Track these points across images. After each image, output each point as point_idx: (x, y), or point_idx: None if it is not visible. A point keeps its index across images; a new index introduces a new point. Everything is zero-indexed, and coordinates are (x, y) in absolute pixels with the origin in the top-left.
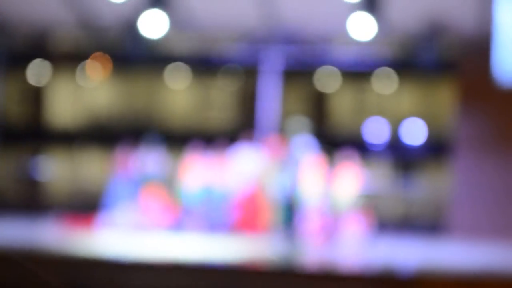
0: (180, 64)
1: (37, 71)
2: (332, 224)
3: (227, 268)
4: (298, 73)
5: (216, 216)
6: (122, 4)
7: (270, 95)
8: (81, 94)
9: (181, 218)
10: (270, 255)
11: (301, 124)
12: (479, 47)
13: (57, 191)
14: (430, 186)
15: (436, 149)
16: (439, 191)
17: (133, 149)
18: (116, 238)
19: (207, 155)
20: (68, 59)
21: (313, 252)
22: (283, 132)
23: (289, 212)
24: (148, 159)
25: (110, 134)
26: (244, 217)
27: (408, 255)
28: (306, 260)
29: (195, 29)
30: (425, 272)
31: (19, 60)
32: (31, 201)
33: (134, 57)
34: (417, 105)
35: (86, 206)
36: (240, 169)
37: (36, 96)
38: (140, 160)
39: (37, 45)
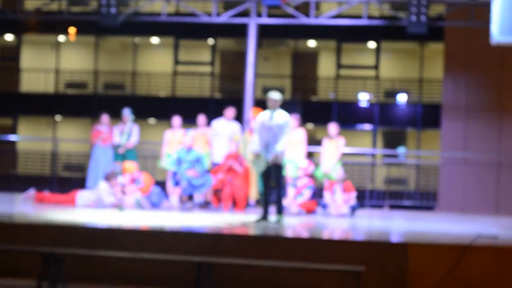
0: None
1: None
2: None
3: (207, 233)
4: (279, 37)
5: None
6: None
7: (252, 60)
8: (54, 59)
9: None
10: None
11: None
12: (465, 12)
13: (31, 160)
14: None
15: (426, 117)
16: (429, 159)
17: (110, 118)
18: (94, 211)
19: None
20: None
21: (302, 219)
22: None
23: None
24: (128, 130)
25: (87, 102)
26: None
27: (398, 222)
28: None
29: None
30: (413, 238)
31: None
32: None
33: (110, 22)
34: (407, 71)
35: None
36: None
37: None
38: (119, 131)
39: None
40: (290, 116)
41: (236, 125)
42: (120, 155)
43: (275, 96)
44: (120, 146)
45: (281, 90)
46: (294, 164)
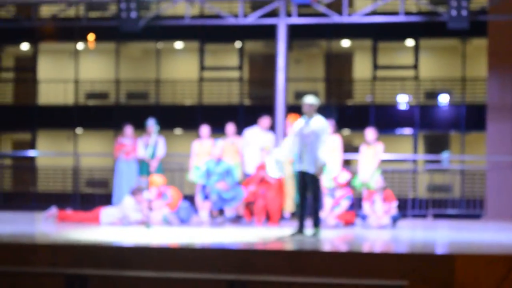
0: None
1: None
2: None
3: (241, 249)
4: (311, 38)
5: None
6: None
7: (283, 63)
8: (73, 68)
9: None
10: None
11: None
12: (509, 5)
13: (52, 176)
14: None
15: (470, 118)
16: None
17: (133, 130)
18: (119, 229)
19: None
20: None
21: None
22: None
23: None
24: (153, 142)
25: (109, 113)
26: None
27: (443, 232)
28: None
29: None
30: (460, 248)
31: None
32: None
33: (130, 27)
34: (448, 70)
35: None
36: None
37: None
38: (144, 143)
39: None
40: (327, 122)
41: (270, 135)
42: (146, 169)
43: (310, 100)
44: (144, 160)
45: (314, 94)
46: (330, 174)
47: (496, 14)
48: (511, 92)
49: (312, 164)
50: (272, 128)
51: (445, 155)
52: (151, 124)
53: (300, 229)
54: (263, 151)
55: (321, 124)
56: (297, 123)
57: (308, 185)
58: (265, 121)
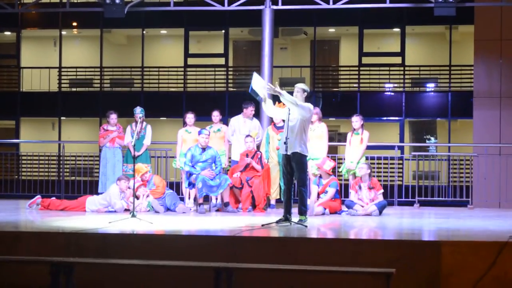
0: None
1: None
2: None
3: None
4: (297, 24)
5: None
6: None
7: (268, 50)
8: (56, 55)
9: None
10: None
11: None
12: None
13: (35, 164)
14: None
15: (457, 105)
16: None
17: (118, 118)
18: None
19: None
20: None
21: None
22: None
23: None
24: (139, 129)
25: (93, 101)
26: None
27: (430, 220)
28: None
29: None
30: (447, 235)
31: None
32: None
33: (115, 13)
34: (435, 57)
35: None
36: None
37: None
38: (130, 131)
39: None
40: (311, 109)
41: (256, 122)
42: (131, 157)
43: (300, 86)
44: (130, 147)
45: (300, 81)
46: (317, 161)
47: (483, 1)
48: (497, 79)
49: (299, 145)
50: (257, 114)
51: (431, 141)
52: (138, 111)
53: (286, 216)
54: (249, 139)
55: (307, 109)
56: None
57: (295, 170)
58: (249, 110)
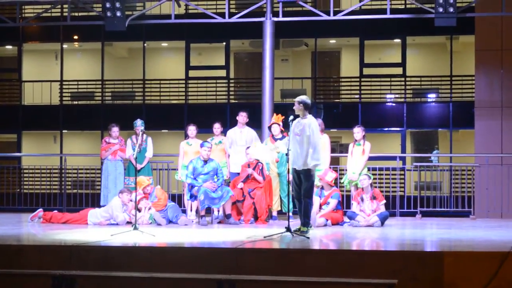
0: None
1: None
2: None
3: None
4: (298, 36)
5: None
6: None
7: (269, 62)
8: (58, 69)
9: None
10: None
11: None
12: (496, 1)
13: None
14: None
15: (458, 116)
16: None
17: (120, 131)
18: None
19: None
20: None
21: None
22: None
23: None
24: (140, 142)
25: (95, 114)
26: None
27: (432, 230)
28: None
29: None
30: (449, 246)
31: None
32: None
33: (116, 27)
34: (436, 68)
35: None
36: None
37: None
38: (131, 144)
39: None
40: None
41: (251, 132)
42: (133, 169)
43: (298, 98)
44: (131, 161)
45: (301, 92)
46: (319, 172)
47: (483, 12)
48: (498, 89)
49: (306, 161)
50: (259, 126)
51: (434, 152)
52: (139, 124)
53: (289, 228)
54: (250, 150)
55: (311, 123)
56: (292, 123)
57: (302, 184)
58: (241, 118)
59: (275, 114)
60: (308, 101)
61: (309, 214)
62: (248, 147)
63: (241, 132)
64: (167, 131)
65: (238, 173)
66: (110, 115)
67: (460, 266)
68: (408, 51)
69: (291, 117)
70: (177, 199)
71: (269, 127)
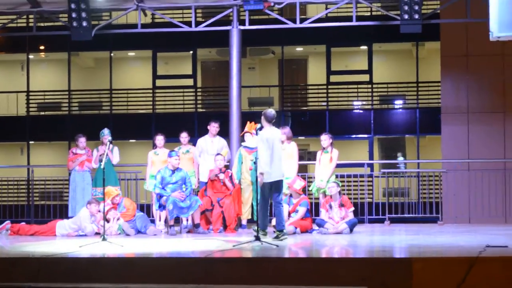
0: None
1: None
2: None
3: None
4: (264, 44)
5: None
6: None
7: (236, 70)
8: (24, 79)
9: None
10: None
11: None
12: (461, 8)
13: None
14: (421, 162)
15: (425, 122)
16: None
17: (87, 141)
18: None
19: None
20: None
21: (302, 238)
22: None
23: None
24: (106, 152)
25: (62, 124)
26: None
27: (400, 237)
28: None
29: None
30: (418, 252)
31: None
32: None
33: (82, 36)
34: (402, 74)
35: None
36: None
37: None
38: (98, 154)
39: None
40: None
41: (222, 140)
42: (100, 180)
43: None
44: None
45: (269, 101)
46: (287, 180)
47: (448, 18)
48: (464, 95)
49: (279, 171)
50: (227, 134)
51: (400, 159)
52: (106, 133)
53: (258, 236)
54: (219, 157)
55: (277, 133)
56: (262, 132)
57: (274, 193)
58: (213, 128)
59: (248, 123)
60: (269, 113)
61: (281, 218)
62: (218, 154)
63: (212, 142)
64: (134, 141)
65: (207, 182)
66: (77, 125)
67: (429, 271)
68: (374, 58)
69: (259, 126)
70: (145, 209)
71: (242, 136)
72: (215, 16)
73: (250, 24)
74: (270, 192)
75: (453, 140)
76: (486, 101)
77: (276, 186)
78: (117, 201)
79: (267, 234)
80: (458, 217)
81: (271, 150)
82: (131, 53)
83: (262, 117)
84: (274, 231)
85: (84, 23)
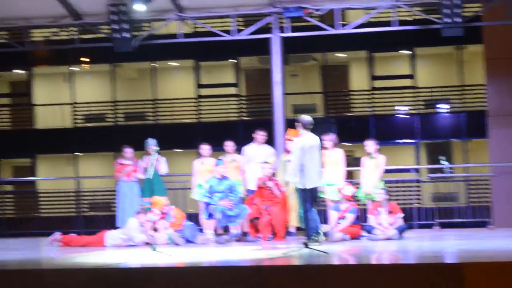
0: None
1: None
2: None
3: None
4: (306, 51)
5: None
6: None
7: (279, 78)
8: (68, 92)
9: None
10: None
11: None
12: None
13: (54, 201)
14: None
15: (471, 125)
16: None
17: (133, 151)
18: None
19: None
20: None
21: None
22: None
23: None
24: (153, 162)
25: (108, 135)
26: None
27: (450, 242)
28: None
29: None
30: (469, 257)
31: None
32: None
33: (124, 48)
34: (446, 78)
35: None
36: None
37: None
38: (145, 165)
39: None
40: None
41: (269, 149)
42: (148, 190)
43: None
44: (149, 179)
45: (312, 107)
46: (334, 187)
47: (490, 20)
48: (510, 97)
49: (315, 179)
50: (272, 142)
51: (444, 163)
52: (151, 143)
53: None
54: (266, 165)
55: (315, 140)
56: (298, 140)
57: (314, 199)
58: (259, 136)
59: (289, 129)
60: (305, 120)
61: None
62: (265, 162)
63: (259, 150)
64: (180, 150)
65: (255, 191)
66: (123, 136)
67: (481, 277)
68: (417, 62)
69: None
70: (193, 218)
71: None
72: (256, 24)
73: (290, 31)
74: (311, 198)
75: (501, 143)
76: None
77: (312, 193)
78: (165, 211)
79: (319, 240)
80: (509, 221)
81: (308, 157)
82: (174, 63)
83: (299, 124)
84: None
85: (126, 34)
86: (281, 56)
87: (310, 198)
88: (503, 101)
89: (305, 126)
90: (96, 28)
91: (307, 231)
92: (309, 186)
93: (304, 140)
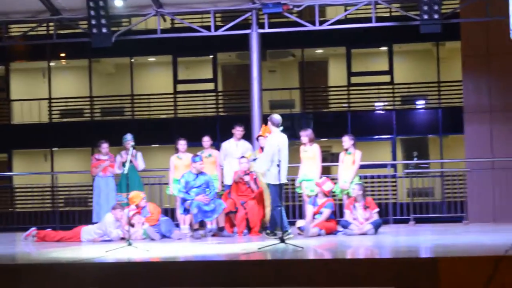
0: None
1: None
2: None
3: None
4: (284, 47)
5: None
6: None
7: (257, 74)
8: (46, 87)
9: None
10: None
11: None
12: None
13: (29, 196)
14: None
15: (448, 121)
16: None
17: (110, 147)
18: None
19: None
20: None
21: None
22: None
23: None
24: (129, 158)
25: (84, 130)
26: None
27: (426, 237)
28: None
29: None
30: (444, 252)
31: None
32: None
33: (102, 43)
34: (423, 74)
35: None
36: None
37: None
38: (122, 160)
39: None
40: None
41: (247, 144)
42: (124, 185)
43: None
44: (124, 174)
45: (290, 103)
46: (311, 182)
47: (468, 17)
48: (486, 93)
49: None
50: (249, 137)
51: (416, 159)
52: (128, 139)
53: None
54: (243, 160)
55: (285, 138)
56: (271, 136)
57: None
58: (237, 131)
59: (263, 126)
60: (275, 118)
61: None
62: (242, 157)
63: (237, 145)
64: (157, 145)
65: (231, 185)
66: (99, 131)
67: (455, 271)
68: (395, 58)
69: None
70: (170, 213)
71: (257, 139)
72: (235, 20)
73: (269, 27)
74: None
75: (476, 139)
76: (509, 99)
77: (281, 189)
78: (141, 206)
79: (291, 235)
80: (483, 216)
81: (279, 156)
82: (152, 59)
83: (269, 123)
84: (299, 233)
85: (104, 30)
86: (259, 52)
87: (280, 194)
88: (479, 98)
89: (276, 124)
90: (75, 24)
91: (281, 226)
92: (283, 181)
93: (276, 138)
